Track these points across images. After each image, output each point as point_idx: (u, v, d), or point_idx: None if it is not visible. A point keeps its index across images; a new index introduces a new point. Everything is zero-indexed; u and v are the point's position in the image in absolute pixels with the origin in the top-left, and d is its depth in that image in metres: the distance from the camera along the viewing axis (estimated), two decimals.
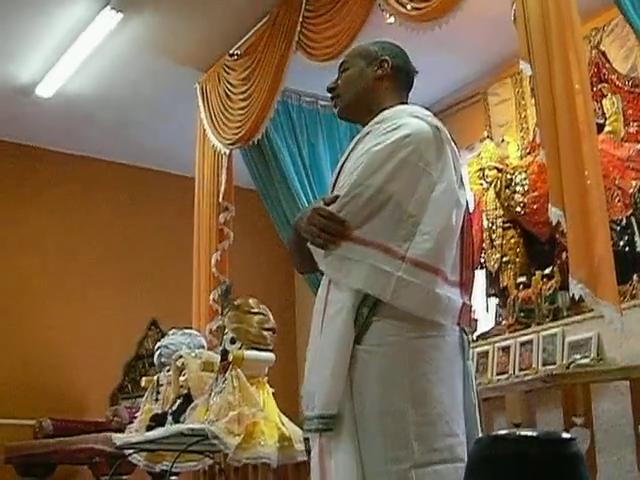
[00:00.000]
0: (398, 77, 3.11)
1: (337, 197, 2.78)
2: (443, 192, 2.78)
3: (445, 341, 2.76)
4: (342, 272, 2.74)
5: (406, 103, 3.09)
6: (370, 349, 2.69)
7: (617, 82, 6.07)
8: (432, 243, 2.70)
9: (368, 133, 2.96)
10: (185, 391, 5.10)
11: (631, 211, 5.61)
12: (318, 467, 2.77)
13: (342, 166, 3.00)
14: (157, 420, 5.12)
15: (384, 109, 3.01)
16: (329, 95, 3.16)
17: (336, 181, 2.99)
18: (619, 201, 5.61)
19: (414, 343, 2.69)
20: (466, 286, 2.87)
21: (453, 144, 2.91)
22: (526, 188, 6.30)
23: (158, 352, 5.61)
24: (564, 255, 5.69)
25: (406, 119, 2.90)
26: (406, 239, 2.70)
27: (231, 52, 6.96)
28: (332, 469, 2.69)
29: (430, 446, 2.63)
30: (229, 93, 7.00)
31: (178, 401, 5.08)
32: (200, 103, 7.39)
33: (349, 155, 3.00)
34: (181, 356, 5.25)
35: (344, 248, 2.73)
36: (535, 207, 6.20)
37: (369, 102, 3.05)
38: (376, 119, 2.98)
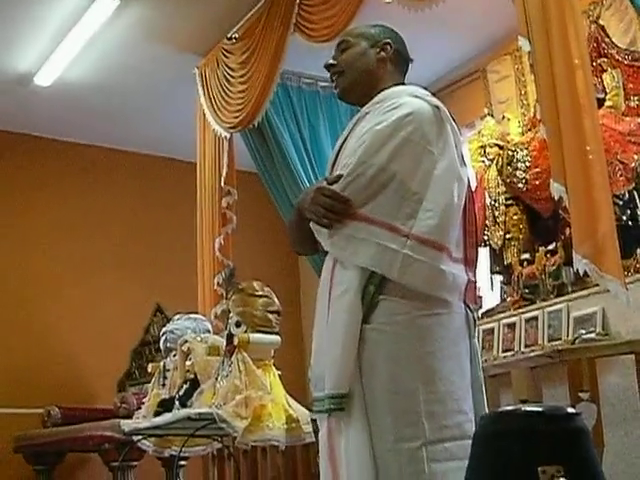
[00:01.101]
0: (398, 61, 3.16)
1: (340, 176, 2.80)
2: (445, 170, 2.81)
3: (452, 318, 2.80)
4: (348, 251, 2.77)
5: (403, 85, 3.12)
6: (378, 327, 2.72)
7: (617, 56, 6.04)
8: (436, 220, 2.73)
9: (368, 113, 3.00)
10: (192, 376, 5.11)
11: (633, 185, 5.60)
12: (327, 447, 2.80)
13: (342, 146, 3.02)
14: (165, 405, 5.13)
15: (382, 90, 3.04)
16: (328, 73, 3.17)
17: (335, 161, 3.01)
18: (621, 175, 5.60)
19: (422, 321, 2.72)
20: (470, 263, 2.90)
21: (453, 122, 2.94)
22: (528, 164, 6.28)
23: (164, 337, 5.62)
24: (567, 231, 5.68)
25: (406, 98, 2.93)
26: (410, 217, 2.73)
27: (229, 36, 6.93)
28: (342, 449, 2.72)
29: (440, 423, 2.66)
30: (228, 77, 6.99)
31: (185, 386, 5.08)
32: (199, 88, 7.38)
33: (349, 135, 3.02)
34: (187, 341, 5.25)
35: (349, 227, 2.76)
36: (537, 183, 6.19)
37: (370, 83, 3.08)
38: (375, 99, 3.02)
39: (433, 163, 2.79)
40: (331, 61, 3.14)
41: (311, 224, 2.86)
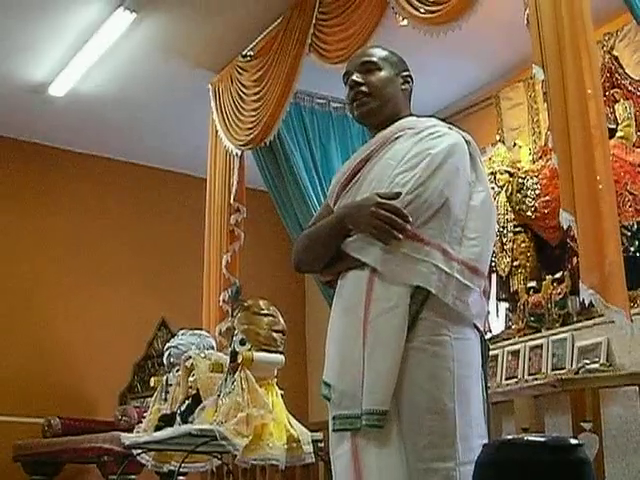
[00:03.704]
0: (410, 95, 3.22)
1: (399, 194, 2.84)
2: (483, 201, 2.93)
3: (477, 344, 2.87)
4: (402, 268, 2.80)
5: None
6: (420, 346, 2.75)
7: (629, 87, 6.05)
8: (479, 248, 2.85)
9: (398, 138, 3.02)
10: (194, 392, 5.10)
11: None
12: (352, 465, 2.79)
13: (363, 166, 3.02)
14: (166, 420, 5.12)
15: (400, 117, 3.10)
16: (349, 89, 3.13)
17: (351, 180, 3.02)
18: (630, 206, 5.60)
19: (458, 344, 2.78)
20: (487, 292, 2.99)
21: (481, 157, 3.02)
22: (537, 192, 6.28)
23: (167, 352, 5.61)
24: (574, 260, 5.68)
25: (445, 129, 3.03)
26: (458, 242, 2.83)
27: (244, 53, 6.96)
28: (372, 467, 2.73)
29: (469, 445, 2.70)
30: (242, 94, 7.01)
31: (187, 401, 5.08)
32: (212, 104, 7.40)
33: (371, 157, 3.03)
34: (190, 357, 5.25)
35: (406, 246, 2.80)
36: (546, 211, 6.19)
37: (392, 110, 3.12)
38: (400, 125, 3.06)
39: (469, 194, 2.90)
40: (359, 79, 3.10)
41: (352, 240, 2.89)
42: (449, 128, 3.03)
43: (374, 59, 3.14)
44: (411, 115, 3.14)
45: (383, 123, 3.09)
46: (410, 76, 3.17)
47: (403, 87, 3.14)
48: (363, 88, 3.09)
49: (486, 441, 2.73)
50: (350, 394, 2.77)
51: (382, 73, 3.11)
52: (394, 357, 2.71)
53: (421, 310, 2.76)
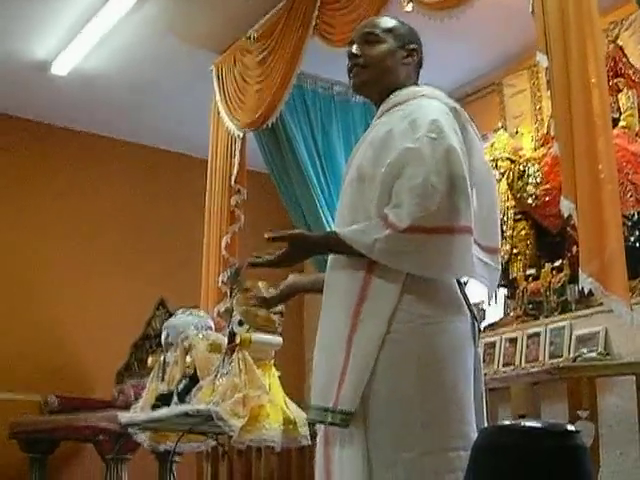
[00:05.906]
0: (418, 68, 3.14)
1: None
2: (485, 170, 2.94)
3: (456, 326, 2.76)
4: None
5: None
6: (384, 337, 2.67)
7: (633, 77, 6.04)
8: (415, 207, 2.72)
9: (384, 115, 2.97)
10: (191, 371, 5.10)
11: None
12: (323, 457, 2.78)
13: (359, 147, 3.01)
14: (163, 399, 5.13)
15: (396, 89, 3.02)
16: (352, 60, 3.07)
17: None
18: (631, 196, 5.59)
19: (426, 329, 2.69)
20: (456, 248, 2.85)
21: (472, 123, 2.94)
22: (539, 180, 6.27)
23: (165, 332, 5.60)
24: (574, 248, 5.68)
25: (425, 101, 2.92)
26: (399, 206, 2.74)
27: (248, 35, 6.94)
28: (336, 459, 2.70)
29: (442, 433, 2.63)
30: (244, 76, 6.99)
31: (184, 381, 5.08)
32: (215, 85, 7.38)
33: (365, 138, 3.00)
34: (188, 336, 5.25)
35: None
36: (547, 199, 6.19)
37: (389, 83, 3.04)
38: (392, 99, 2.99)
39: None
40: (356, 51, 3.04)
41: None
42: (434, 98, 2.93)
43: (376, 31, 3.06)
44: (414, 85, 3.07)
45: (378, 95, 3.04)
46: (416, 49, 3.07)
47: (405, 61, 3.04)
48: (359, 60, 3.03)
49: (473, 425, 2.70)
50: (326, 387, 2.73)
51: (382, 46, 3.02)
52: (373, 361, 2.65)
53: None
